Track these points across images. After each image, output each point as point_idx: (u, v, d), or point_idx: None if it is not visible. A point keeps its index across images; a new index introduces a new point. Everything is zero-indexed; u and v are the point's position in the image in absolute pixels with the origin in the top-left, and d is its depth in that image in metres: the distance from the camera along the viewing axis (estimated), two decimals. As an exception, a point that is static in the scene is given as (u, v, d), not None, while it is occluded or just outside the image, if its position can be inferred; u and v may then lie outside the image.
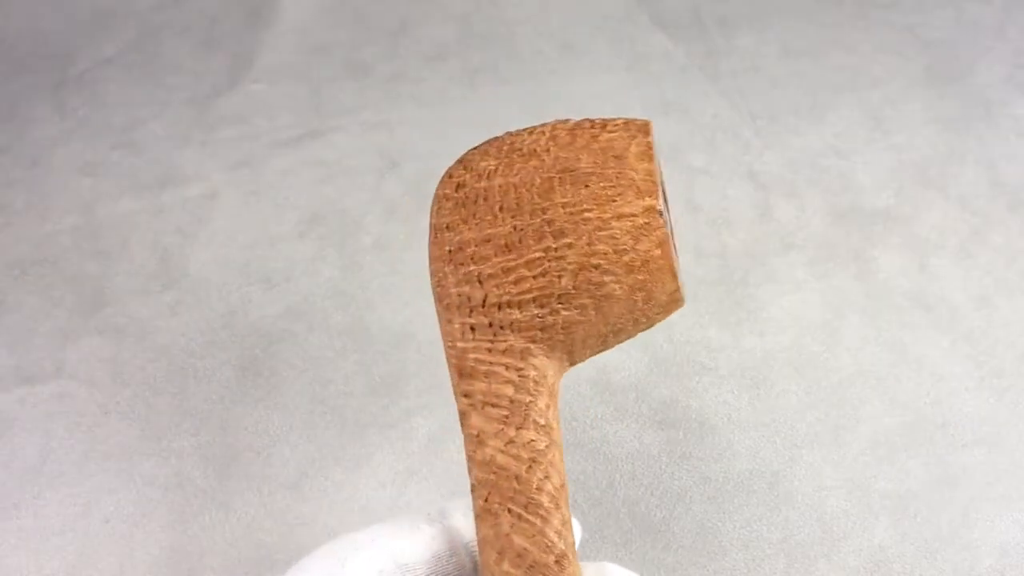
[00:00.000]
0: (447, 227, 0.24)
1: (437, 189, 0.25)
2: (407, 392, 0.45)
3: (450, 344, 0.23)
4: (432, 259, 0.24)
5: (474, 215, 0.23)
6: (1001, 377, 0.45)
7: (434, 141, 0.59)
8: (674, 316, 0.48)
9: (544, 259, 0.23)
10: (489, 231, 0.23)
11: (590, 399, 0.44)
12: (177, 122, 0.62)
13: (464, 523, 0.24)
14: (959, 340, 0.46)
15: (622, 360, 0.46)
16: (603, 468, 0.41)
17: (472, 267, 0.23)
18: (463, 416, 0.23)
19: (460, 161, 0.25)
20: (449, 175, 0.25)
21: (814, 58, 0.65)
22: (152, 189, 0.57)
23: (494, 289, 0.23)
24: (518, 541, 0.22)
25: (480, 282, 0.23)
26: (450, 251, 0.23)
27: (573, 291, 0.23)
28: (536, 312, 0.23)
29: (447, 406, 0.44)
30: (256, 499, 0.41)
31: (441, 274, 0.23)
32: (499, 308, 0.23)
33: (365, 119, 0.62)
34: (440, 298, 0.24)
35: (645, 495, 0.41)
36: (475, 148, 0.25)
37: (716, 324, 0.48)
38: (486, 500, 0.22)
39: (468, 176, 0.24)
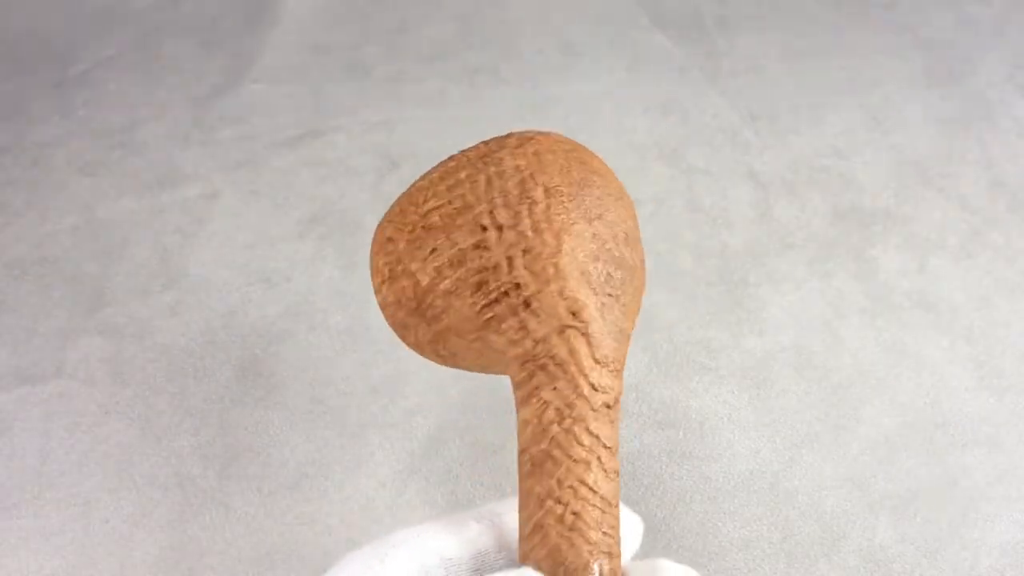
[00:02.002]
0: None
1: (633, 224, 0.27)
2: (407, 392, 0.45)
3: (615, 356, 0.24)
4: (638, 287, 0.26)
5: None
6: (1001, 377, 0.45)
7: (434, 141, 0.59)
8: (674, 316, 0.48)
9: None
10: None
11: (590, 399, 0.44)
12: (177, 122, 0.62)
13: (514, 521, 0.23)
14: (959, 340, 0.46)
15: (622, 360, 0.46)
16: (603, 468, 0.41)
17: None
18: (606, 424, 0.23)
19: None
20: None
21: (814, 59, 0.65)
22: (152, 189, 0.57)
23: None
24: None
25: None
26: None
27: None
28: None
29: (447, 406, 0.44)
30: (256, 499, 0.41)
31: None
32: None
33: (365, 119, 0.62)
34: (632, 315, 0.25)
35: (645, 495, 0.41)
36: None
37: (716, 324, 0.48)
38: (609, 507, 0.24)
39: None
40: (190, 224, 0.54)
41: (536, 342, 0.23)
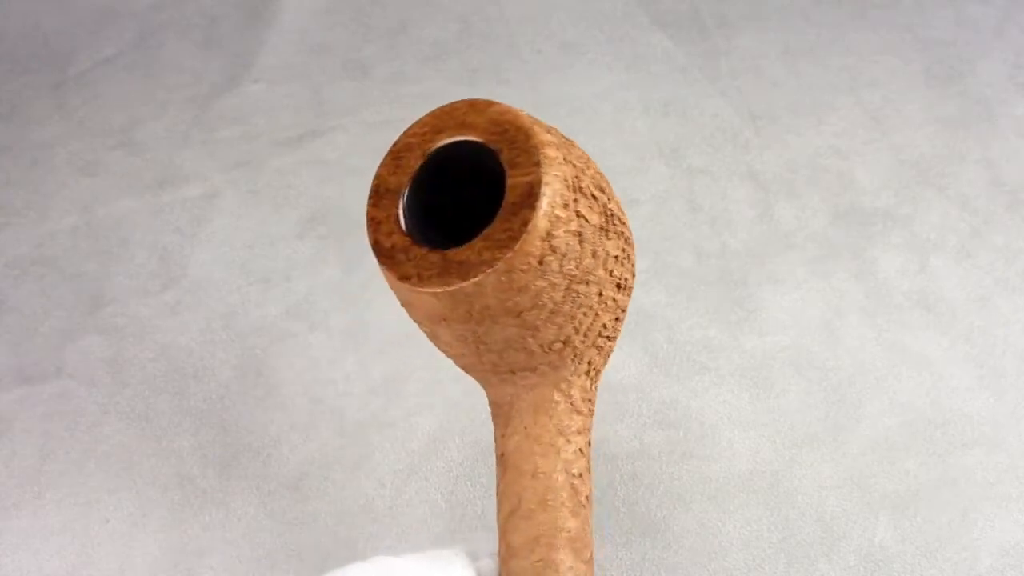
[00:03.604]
0: None
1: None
2: (407, 392, 0.45)
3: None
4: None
5: None
6: (1001, 377, 0.45)
7: (434, 141, 0.59)
8: (674, 316, 0.48)
9: None
10: None
11: (590, 399, 0.44)
12: (177, 122, 0.62)
13: (492, 566, 0.25)
14: (959, 340, 0.46)
15: (622, 360, 0.46)
16: (603, 468, 0.41)
17: None
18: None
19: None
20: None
21: (814, 58, 0.65)
22: (152, 189, 0.57)
23: None
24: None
25: None
26: None
27: None
28: None
29: (447, 406, 0.44)
30: (256, 499, 0.41)
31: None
32: None
33: (365, 119, 0.62)
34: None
35: (645, 495, 0.41)
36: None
37: (716, 324, 0.48)
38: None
39: None
40: (190, 224, 0.54)
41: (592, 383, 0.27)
